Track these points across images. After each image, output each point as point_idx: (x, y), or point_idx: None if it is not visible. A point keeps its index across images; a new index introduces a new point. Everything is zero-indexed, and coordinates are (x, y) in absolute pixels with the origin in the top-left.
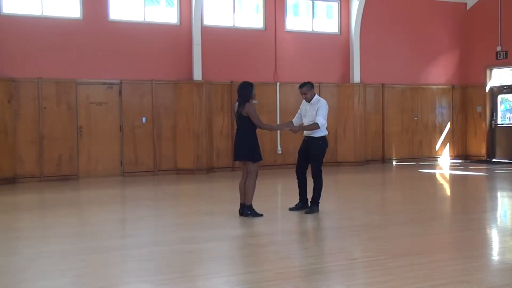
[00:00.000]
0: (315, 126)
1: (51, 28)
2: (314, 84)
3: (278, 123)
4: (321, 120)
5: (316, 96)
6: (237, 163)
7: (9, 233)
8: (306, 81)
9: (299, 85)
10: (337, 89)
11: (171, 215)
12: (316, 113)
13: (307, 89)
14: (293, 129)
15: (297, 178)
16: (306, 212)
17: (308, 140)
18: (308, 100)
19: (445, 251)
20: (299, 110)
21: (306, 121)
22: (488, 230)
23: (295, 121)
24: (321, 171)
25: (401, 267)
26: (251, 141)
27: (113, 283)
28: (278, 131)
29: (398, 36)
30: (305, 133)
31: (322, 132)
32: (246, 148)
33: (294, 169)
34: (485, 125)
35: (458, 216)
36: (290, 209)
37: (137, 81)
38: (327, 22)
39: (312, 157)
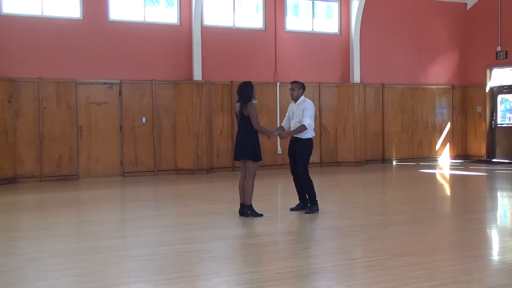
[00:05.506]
0: (302, 128)
1: (51, 28)
2: (314, 84)
3: (278, 123)
4: (308, 121)
5: (302, 97)
6: (237, 163)
7: (9, 233)
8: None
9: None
10: (337, 89)
11: (171, 215)
12: (302, 114)
13: (295, 86)
14: (281, 134)
15: (293, 179)
16: (306, 212)
17: (295, 141)
18: (293, 98)
19: (445, 251)
20: (287, 113)
21: (293, 123)
22: (488, 230)
23: (285, 124)
24: (308, 171)
25: (401, 267)
26: (252, 140)
27: (113, 283)
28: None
29: (398, 36)
30: None
31: (309, 134)
32: (247, 147)
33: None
34: (485, 125)
35: (458, 216)
36: (292, 209)
37: (137, 81)
38: (327, 22)
39: (298, 157)
